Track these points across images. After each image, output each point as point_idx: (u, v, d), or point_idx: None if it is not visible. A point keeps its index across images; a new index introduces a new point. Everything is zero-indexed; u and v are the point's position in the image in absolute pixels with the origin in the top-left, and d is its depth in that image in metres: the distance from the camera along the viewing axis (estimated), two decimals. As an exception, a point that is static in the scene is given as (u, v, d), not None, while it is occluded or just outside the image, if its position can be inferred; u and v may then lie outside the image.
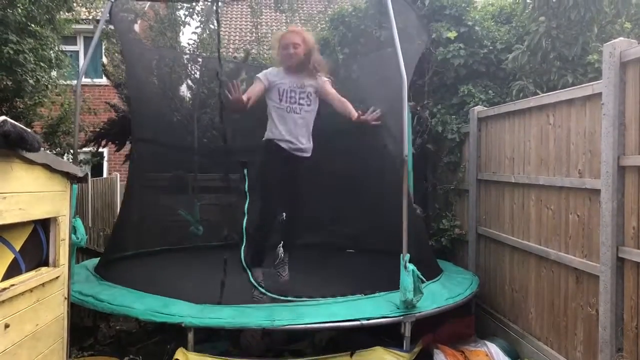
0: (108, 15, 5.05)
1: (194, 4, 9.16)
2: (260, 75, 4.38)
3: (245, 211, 4.42)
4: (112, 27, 6.04)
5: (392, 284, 4.21)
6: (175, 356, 3.93)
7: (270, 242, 4.50)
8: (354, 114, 4.35)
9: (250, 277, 4.43)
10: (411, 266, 4.01)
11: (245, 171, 4.53)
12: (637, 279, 3.30)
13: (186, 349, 3.92)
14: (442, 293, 4.64)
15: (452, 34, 6.46)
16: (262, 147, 4.45)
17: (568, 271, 4.09)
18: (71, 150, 7.59)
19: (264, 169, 4.44)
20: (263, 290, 4.39)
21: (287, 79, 4.27)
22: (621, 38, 3.55)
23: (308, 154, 4.42)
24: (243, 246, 4.42)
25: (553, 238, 4.30)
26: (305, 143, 4.37)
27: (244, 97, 4.16)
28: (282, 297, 4.35)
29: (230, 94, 4.04)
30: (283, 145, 4.31)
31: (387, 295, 4.36)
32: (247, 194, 4.45)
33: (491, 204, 5.48)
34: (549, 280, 4.37)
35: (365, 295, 4.41)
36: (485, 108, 5.78)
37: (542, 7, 5.37)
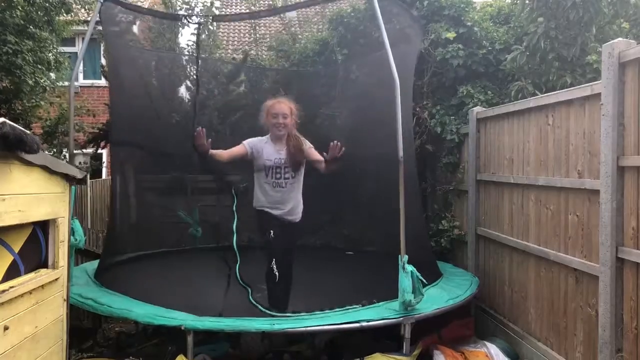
0: (98, 16, 5.03)
1: (192, 3, 9.16)
2: (245, 142, 4.44)
3: (234, 230, 4.34)
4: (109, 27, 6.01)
5: (392, 292, 4.18)
6: None
7: (290, 287, 4.48)
8: (323, 160, 4.34)
9: (250, 295, 4.33)
10: (410, 267, 4.00)
11: (234, 191, 4.51)
12: (637, 280, 3.30)
13: (185, 351, 3.91)
14: (441, 294, 4.64)
15: (451, 35, 6.47)
16: (254, 216, 4.50)
17: (567, 272, 4.09)
18: (66, 154, 7.58)
19: (263, 233, 4.42)
20: (262, 309, 4.24)
21: (272, 155, 4.33)
22: (620, 39, 3.55)
23: (297, 218, 4.46)
24: (237, 264, 4.33)
25: (552, 238, 4.30)
26: (292, 209, 4.41)
27: (225, 154, 4.33)
28: (280, 315, 4.22)
29: (195, 140, 4.10)
30: (272, 211, 4.37)
31: (386, 304, 4.32)
32: (235, 213, 4.40)
33: (490, 204, 5.48)
34: (549, 280, 4.37)
35: (363, 306, 4.34)
36: (484, 109, 5.78)
37: (540, 7, 5.38)
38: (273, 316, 4.23)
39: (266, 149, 4.37)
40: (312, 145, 4.45)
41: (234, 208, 4.45)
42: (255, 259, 4.52)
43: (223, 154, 4.34)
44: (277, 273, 4.20)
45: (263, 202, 4.39)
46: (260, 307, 4.25)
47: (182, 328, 3.88)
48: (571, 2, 5.05)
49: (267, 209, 4.37)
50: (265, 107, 4.48)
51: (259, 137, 4.47)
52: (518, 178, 4.85)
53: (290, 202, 4.39)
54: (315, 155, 4.39)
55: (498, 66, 6.46)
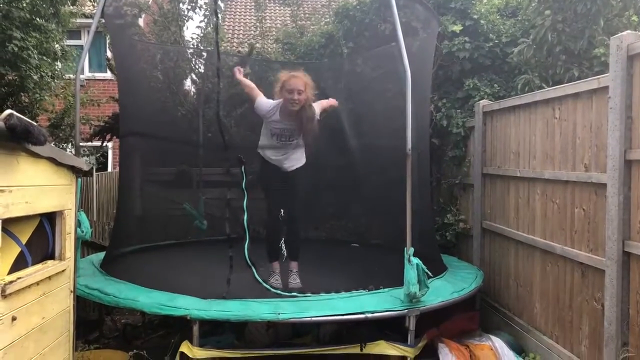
0: (102, 10, 5.02)
1: None
2: (264, 100, 4.63)
3: (245, 208, 4.44)
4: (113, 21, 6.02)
5: (398, 280, 4.21)
6: (181, 349, 3.95)
7: (280, 237, 4.71)
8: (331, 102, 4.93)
9: (255, 273, 4.44)
10: (415, 260, 4.01)
11: (243, 168, 4.55)
12: (643, 273, 3.29)
13: (191, 341, 3.94)
14: (446, 287, 4.64)
15: (457, 28, 6.44)
16: (257, 155, 4.81)
17: (573, 265, 4.08)
18: (73, 146, 7.61)
19: (260, 176, 4.87)
20: (267, 287, 4.41)
21: (280, 123, 4.54)
22: (628, 31, 3.52)
23: (294, 167, 4.72)
24: (246, 243, 4.42)
25: (558, 232, 4.29)
26: (288, 163, 4.68)
27: (253, 91, 4.68)
28: (286, 293, 4.37)
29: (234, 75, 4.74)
30: (272, 162, 4.69)
31: (391, 291, 4.36)
32: (245, 191, 4.49)
33: (496, 198, 5.46)
34: (554, 274, 4.36)
35: (369, 291, 4.42)
36: (491, 102, 5.76)
37: (548, 0, 5.34)
38: (279, 295, 4.31)
39: (276, 115, 4.53)
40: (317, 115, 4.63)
41: (244, 186, 4.49)
42: (260, 246, 4.69)
43: (252, 90, 4.67)
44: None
45: (266, 154, 4.69)
46: (264, 284, 4.37)
47: (188, 318, 3.90)
48: (579, -5, 5.02)
49: (266, 158, 4.68)
50: (279, 79, 4.56)
51: (273, 101, 4.61)
52: (524, 172, 4.84)
53: (290, 158, 4.66)
54: (319, 109, 4.69)
55: (505, 59, 6.42)
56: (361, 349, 4.10)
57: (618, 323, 3.45)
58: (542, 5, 5.45)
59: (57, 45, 7.00)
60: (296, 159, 4.72)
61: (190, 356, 3.92)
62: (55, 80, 7.37)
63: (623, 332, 3.44)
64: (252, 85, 4.77)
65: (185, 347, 3.94)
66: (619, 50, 3.42)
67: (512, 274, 5.10)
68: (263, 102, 4.60)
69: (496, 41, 6.51)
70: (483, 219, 5.72)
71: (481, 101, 5.86)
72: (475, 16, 6.54)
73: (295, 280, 4.69)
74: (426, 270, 4.06)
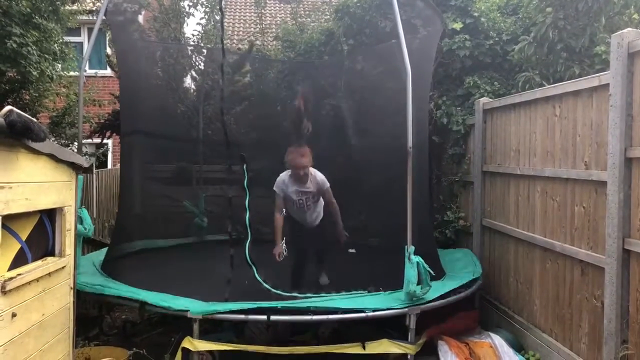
0: (105, 8, 5.02)
1: None
2: (276, 189, 5.20)
3: (247, 207, 4.46)
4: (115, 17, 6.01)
5: (398, 283, 4.21)
6: (183, 344, 3.96)
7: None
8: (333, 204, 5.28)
9: (255, 273, 4.43)
10: (416, 258, 4.01)
11: (245, 166, 4.56)
12: (643, 271, 3.29)
13: (192, 338, 3.95)
14: (446, 285, 4.63)
15: (457, 25, 6.43)
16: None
17: (573, 263, 4.08)
18: (75, 143, 7.60)
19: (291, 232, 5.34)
20: (268, 287, 4.39)
21: (294, 189, 5.13)
22: (629, 29, 3.52)
23: (316, 223, 5.37)
24: (248, 242, 4.41)
25: (558, 230, 4.29)
26: (310, 222, 5.30)
27: (280, 217, 5.16)
28: (287, 294, 4.36)
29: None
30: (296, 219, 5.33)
31: (392, 294, 4.36)
32: (247, 189, 4.50)
33: (496, 195, 5.46)
34: (554, 272, 4.36)
35: (369, 292, 4.41)
36: (491, 99, 5.76)
37: (549, -3, 5.34)
38: (279, 295, 4.31)
39: (290, 186, 5.14)
40: (329, 188, 5.22)
41: (246, 184, 4.54)
42: (260, 246, 4.71)
43: (279, 217, 5.14)
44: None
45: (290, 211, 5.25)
46: (264, 284, 4.39)
47: (189, 315, 3.90)
48: (580, -8, 5.01)
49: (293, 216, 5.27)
50: (288, 155, 5.16)
51: (282, 175, 5.20)
52: (524, 169, 4.83)
53: (312, 216, 5.28)
54: (331, 198, 5.27)
55: (505, 57, 6.42)
56: (363, 347, 4.09)
57: (618, 320, 3.45)
58: (543, 3, 5.44)
59: (56, 45, 6.98)
60: (318, 214, 5.31)
61: (192, 349, 3.94)
62: (56, 76, 7.35)
63: (622, 330, 3.44)
64: (279, 214, 5.16)
65: (187, 342, 3.96)
66: (619, 48, 3.42)
67: (512, 271, 5.10)
68: (276, 185, 5.18)
69: (496, 39, 6.50)
70: (483, 217, 5.72)
71: (481, 99, 5.85)
72: (476, 14, 6.53)
73: (324, 279, 5.26)
74: (428, 269, 4.06)
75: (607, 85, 3.54)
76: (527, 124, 4.82)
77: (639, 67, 3.33)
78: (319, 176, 5.17)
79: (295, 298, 4.30)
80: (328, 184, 5.18)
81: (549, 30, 5.26)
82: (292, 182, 5.13)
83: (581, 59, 5.25)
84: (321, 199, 5.28)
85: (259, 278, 4.43)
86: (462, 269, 5.39)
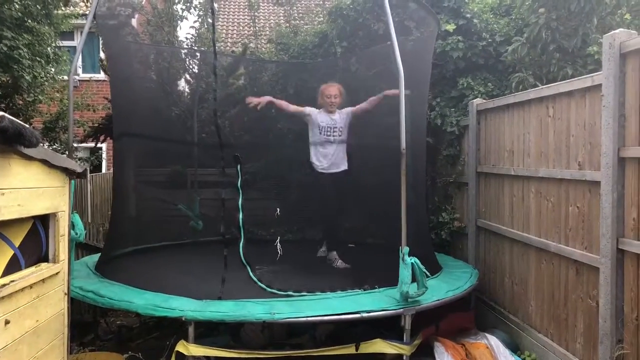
0: (94, 11, 4.99)
1: None
2: (306, 108, 5.75)
3: (240, 207, 4.47)
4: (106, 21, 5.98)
5: (393, 280, 4.20)
6: (177, 348, 3.94)
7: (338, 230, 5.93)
8: (379, 96, 5.51)
9: (250, 272, 4.45)
10: (410, 259, 4.00)
11: (239, 167, 4.57)
12: (637, 271, 3.30)
13: (187, 341, 3.93)
14: (441, 286, 4.64)
15: (450, 27, 6.43)
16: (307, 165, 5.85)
17: (568, 263, 4.09)
18: (66, 146, 7.58)
19: (312, 183, 5.90)
20: (263, 286, 4.41)
21: (325, 120, 5.64)
22: (621, 29, 3.53)
23: (337, 170, 5.68)
24: (241, 242, 4.43)
25: (553, 230, 4.30)
26: (334, 165, 5.64)
27: (291, 107, 5.80)
28: (281, 292, 4.37)
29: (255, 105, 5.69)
30: (318, 168, 5.68)
31: (386, 290, 4.36)
32: (240, 190, 4.51)
33: (491, 196, 5.47)
34: (549, 272, 4.37)
35: (364, 290, 4.42)
36: (485, 101, 5.77)
37: (541, -2, 5.35)
38: (274, 294, 4.32)
39: (320, 116, 5.64)
40: (352, 108, 5.72)
41: (239, 185, 4.57)
42: (255, 247, 4.76)
43: (289, 107, 5.78)
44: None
45: (312, 157, 5.67)
46: (259, 283, 4.43)
47: (183, 319, 3.89)
48: (572, -7, 5.03)
49: (312, 162, 5.66)
50: (320, 89, 5.75)
51: (315, 109, 5.71)
52: (518, 170, 4.84)
53: (334, 155, 5.61)
54: (356, 108, 5.69)
55: (498, 58, 6.43)
56: (356, 349, 4.09)
57: (613, 320, 3.46)
58: (536, 4, 5.46)
59: (49, 49, 6.96)
60: (339, 158, 5.65)
61: (186, 354, 3.92)
62: (49, 81, 7.33)
63: (618, 329, 3.45)
64: (290, 104, 5.81)
65: (181, 346, 3.94)
66: (611, 48, 3.43)
67: (507, 272, 5.11)
68: (309, 108, 5.72)
69: (490, 40, 6.51)
70: (478, 218, 5.73)
71: (475, 100, 5.87)
72: (469, 15, 6.55)
73: (340, 264, 5.51)
74: (424, 270, 4.06)
75: (600, 85, 3.55)
76: (521, 124, 4.83)
77: (631, 68, 3.35)
78: (348, 109, 5.70)
79: (290, 296, 4.31)
80: (351, 109, 5.69)
81: (542, 31, 5.28)
82: (322, 113, 5.66)
83: (574, 59, 5.28)
84: (345, 139, 5.68)
85: (253, 277, 4.45)
86: (459, 267, 5.43)
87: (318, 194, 5.85)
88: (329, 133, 5.59)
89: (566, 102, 4.11)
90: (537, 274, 4.57)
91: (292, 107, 5.81)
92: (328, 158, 5.59)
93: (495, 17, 6.81)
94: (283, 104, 5.82)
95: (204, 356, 4.07)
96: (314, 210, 6.35)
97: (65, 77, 7.98)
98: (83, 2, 8.76)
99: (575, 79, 4.15)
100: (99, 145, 9.24)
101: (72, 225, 3.99)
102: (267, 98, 5.77)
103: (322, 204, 5.88)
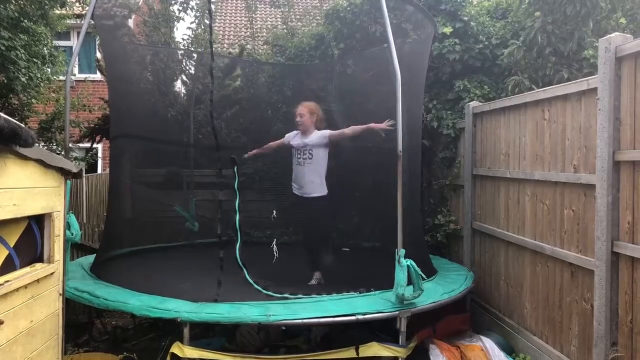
0: (92, 12, 4.99)
1: None
2: (286, 137, 5.49)
3: (237, 209, 4.47)
4: (102, 22, 5.97)
5: (388, 282, 4.20)
6: (172, 350, 3.93)
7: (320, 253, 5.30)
8: (363, 127, 5.17)
9: (247, 274, 4.45)
10: (406, 261, 4.01)
11: (235, 168, 4.57)
12: (632, 274, 3.31)
13: (182, 344, 3.92)
14: (437, 289, 4.65)
15: (447, 29, 6.45)
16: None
17: (563, 266, 4.10)
18: (62, 146, 7.56)
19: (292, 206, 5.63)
20: (259, 288, 4.42)
21: (297, 141, 5.33)
22: (617, 33, 3.55)
23: (313, 195, 5.23)
24: (238, 244, 4.42)
25: (548, 233, 4.31)
26: (305, 188, 5.24)
27: (273, 144, 5.62)
28: (277, 295, 4.36)
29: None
30: (294, 190, 5.38)
31: (382, 293, 4.36)
32: (237, 191, 4.52)
33: (486, 199, 5.48)
34: (544, 275, 4.38)
35: (360, 293, 4.42)
36: (481, 103, 5.79)
37: (538, 2, 5.37)
38: (270, 297, 4.32)
39: (295, 138, 5.36)
40: (331, 131, 5.29)
41: (236, 186, 4.58)
42: (251, 249, 4.77)
43: (272, 146, 5.62)
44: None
45: (293, 180, 5.39)
46: (256, 285, 4.43)
47: (179, 320, 3.88)
48: (568, -3, 5.05)
49: (292, 186, 5.39)
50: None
51: (293, 132, 5.46)
52: (514, 173, 4.86)
53: (306, 179, 5.23)
54: (335, 132, 5.28)
55: (495, 61, 6.45)
56: (357, 353, 4.08)
57: (607, 323, 3.47)
58: (532, 7, 5.48)
59: (45, 49, 6.95)
60: (312, 181, 5.21)
61: (181, 355, 3.91)
62: (44, 82, 7.32)
63: (612, 332, 3.46)
64: (272, 143, 5.62)
65: (176, 348, 3.93)
66: (607, 52, 3.45)
67: (503, 274, 5.12)
68: (287, 135, 5.47)
69: (486, 43, 6.53)
70: (473, 220, 5.74)
71: (471, 102, 5.88)
72: (465, 18, 6.57)
73: (313, 282, 5.13)
74: (420, 273, 4.07)
75: (596, 89, 3.57)
76: (517, 127, 4.85)
77: (627, 71, 3.36)
78: (325, 131, 5.31)
79: (286, 299, 4.30)
80: (328, 132, 5.28)
81: (538, 35, 5.30)
82: (298, 135, 5.38)
83: (570, 62, 5.29)
84: (319, 162, 5.26)
85: (249, 279, 4.46)
86: (454, 270, 5.44)
87: (298, 217, 5.68)
88: (299, 155, 5.28)
89: (562, 105, 4.13)
90: (532, 277, 4.58)
91: (274, 144, 5.62)
92: (298, 182, 5.29)
93: (491, 20, 6.84)
94: (265, 148, 5.69)
95: (199, 358, 4.06)
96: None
97: (62, 77, 7.97)
98: (79, 2, 8.75)
99: (571, 82, 4.17)
100: (95, 145, 9.21)
101: (67, 226, 3.99)
102: (252, 152, 5.71)
103: (301, 229, 5.72)
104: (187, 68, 8.39)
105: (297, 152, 5.28)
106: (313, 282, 5.13)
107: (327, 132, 5.27)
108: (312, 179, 5.21)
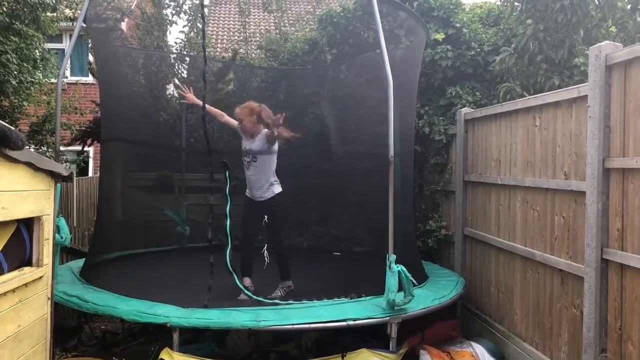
0: (84, 15, 4.98)
1: (180, 1, 9.06)
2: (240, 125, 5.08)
3: (228, 214, 4.45)
4: (94, 25, 5.95)
5: (379, 288, 4.20)
6: (161, 356, 3.90)
7: (252, 256, 4.97)
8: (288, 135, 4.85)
9: (237, 280, 4.44)
10: (397, 267, 4.01)
11: (227, 173, 4.56)
12: (621, 280, 3.33)
13: (171, 349, 3.89)
14: (427, 295, 4.65)
15: (440, 36, 6.48)
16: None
17: (553, 272, 4.12)
18: (53, 149, 7.51)
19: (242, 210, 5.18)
20: (249, 294, 4.41)
21: (243, 143, 5.03)
22: (607, 41, 3.58)
23: (262, 199, 4.95)
24: (229, 249, 4.41)
25: (539, 239, 4.33)
26: (256, 191, 4.97)
27: (224, 116, 5.22)
28: (267, 301, 4.35)
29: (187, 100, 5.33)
30: (247, 193, 5.08)
31: (373, 299, 4.36)
32: (229, 196, 4.49)
33: (477, 205, 5.50)
34: (535, 281, 4.39)
35: (351, 298, 4.41)
36: (472, 110, 5.81)
37: (529, 10, 5.41)
38: (260, 302, 4.32)
39: (243, 142, 5.04)
40: (270, 132, 4.77)
41: (227, 191, 4.56)
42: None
43: (223, 116, 5.23)
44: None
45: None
46: (246, 291, 4.44)
47: (168, 325, 3.85)
48: (560, 5, 5.08)
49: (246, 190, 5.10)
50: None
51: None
52: (505, 179, 4.87)
53: (253, 183, 4.96)
54: (268, 134, 4.80)
55: (486, 67, 6.48)
56: (342, 358, 4.07)
57: (597, 329, 3.48)
58: (523, 15, 5.52)
59: (36, 52, 6.91)
60: (262, 185, 4.93)
61: None
62: (35, 86, 7.27)
63: (601, 339, 3.47)
64: (224, 114, 5.24)
65: (165, 354, 3.89)
66: (597, 60, 3.47)
67: (493, 280, 5.13)
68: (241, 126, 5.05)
69: (478, 49, 6.57)
70: (464, 226, 5.75)
71: (463, 109, 5.90)
72: (458, 25, 6.60)
73: (276, 294, 4.80)
74: (411, 279, 4.07)
75: (586, 96, 3.59)
76: (508, 134, 4.87)
77: (617, 79, 3.39)
78: (264, 130, 4.87)
79: (276, 304, 4.29)
80: (265, 130, 4.82)
81: (530, 42, 5.33)
82: (245, 139, 5.03)
83: (561, 70, 5.33)
84: (265, 164, 4.92)
85: (240, 285, 4.44)
86: (445, 275, 5.45)
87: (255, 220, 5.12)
88: (245, 158, 4.97)
89: (553, 112, 4.15)
90: (522, 283, 4.60)
91: (226, 118, 5.23)
92: (248, 186, 5.00)
93: (483, 27, 6.88)
94: (218, 114, 5.24)
95: None
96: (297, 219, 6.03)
97: (53, 80, 7.93)
98: (69, 8, 8.71)
99: (562, 89, 4.19)
100: (86, 148, 9.16)
101: (57, 229, 3.96)
102: (197, 101, 5.21)
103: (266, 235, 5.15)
104: (180, 72, 8.38)
105: (244, 155, 4.99)
106: (278, 292, 4.81)
107: (264, 132, 4.85)
108: (261, 184, 4.93)
